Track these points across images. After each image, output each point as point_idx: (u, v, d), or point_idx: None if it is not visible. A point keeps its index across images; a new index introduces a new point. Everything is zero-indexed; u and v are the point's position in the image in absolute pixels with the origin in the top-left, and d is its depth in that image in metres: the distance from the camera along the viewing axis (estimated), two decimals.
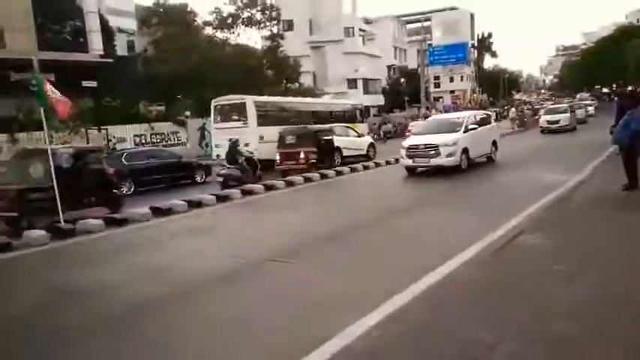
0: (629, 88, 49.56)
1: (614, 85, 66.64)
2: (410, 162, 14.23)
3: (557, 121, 27.40)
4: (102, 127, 21.60)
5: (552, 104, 49.00)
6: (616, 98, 37.94)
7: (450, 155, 13.58)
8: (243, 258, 6.74)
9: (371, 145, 20.94)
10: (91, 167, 11.20)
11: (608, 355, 3.37)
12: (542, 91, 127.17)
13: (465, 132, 14.38)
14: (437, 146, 13.61)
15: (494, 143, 16.32)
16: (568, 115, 28.02)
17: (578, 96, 50.76)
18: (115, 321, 4.91)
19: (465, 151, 14.06)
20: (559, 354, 3.44)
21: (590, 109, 38.30)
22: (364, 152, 20.03)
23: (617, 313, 3.98)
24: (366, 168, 17.23)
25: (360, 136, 21.00)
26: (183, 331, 4.45)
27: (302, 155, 16.14)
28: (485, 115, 17.88)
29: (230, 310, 5.01)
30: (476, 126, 15.02)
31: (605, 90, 71.14)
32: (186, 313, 4.96)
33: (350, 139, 19.71)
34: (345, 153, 18.60)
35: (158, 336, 4.54)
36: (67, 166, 10.54)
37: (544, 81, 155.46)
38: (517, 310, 4.20)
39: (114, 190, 11.70)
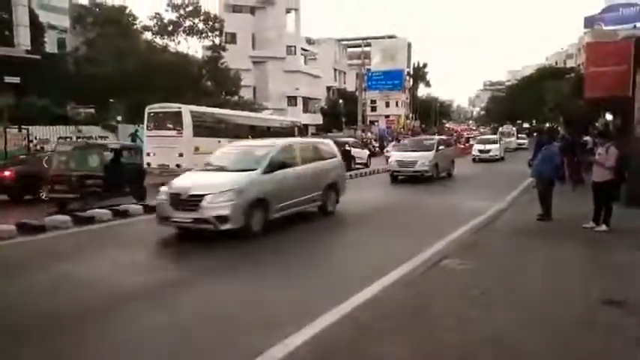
0: (547, 124, 53.68)
1: (534, 121, 71.85)
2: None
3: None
4: (23, 127, 20.21)
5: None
6: (535, 134, 40.81)
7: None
8: None
9: (369, 156, 27.08)
10: (130, 162, 13.40)
11: None
12: (470, 122, 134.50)
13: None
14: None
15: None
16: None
17: (500, 129, 51.60)
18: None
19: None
20: None
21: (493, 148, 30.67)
22: (365, 161, 25.80)
23: (531, 336, 4.26)
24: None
25: (362, 149, 27.45)
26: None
27: None
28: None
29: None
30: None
31: (525, 125, 76.50)
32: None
33: (358, 150, 25.53)
34: (358, 161, 24.50)
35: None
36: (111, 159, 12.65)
37: (472, 112, 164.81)
38: (438, 331, 4.38)
39: (143, 184, 13.63)
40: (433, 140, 20.80)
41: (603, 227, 8.49)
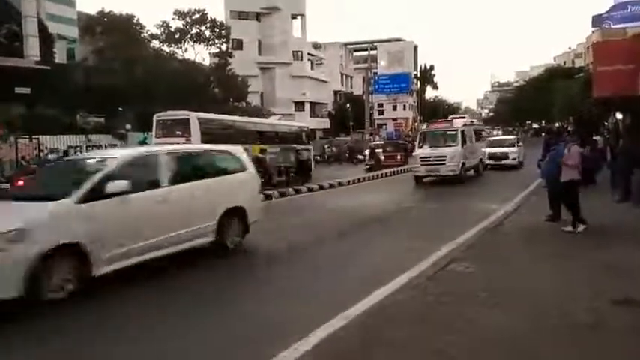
0: (556, 125, 53.19)
1: (543, 122, 71.29)
2: None
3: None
4: (34, 137, 20.46)
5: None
6: (543, 134, 40.43)
7: None
8: None
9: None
10: (305, 157, 21.29)
11: None
12: (480, 123, 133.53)
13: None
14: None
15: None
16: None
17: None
18: None
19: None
20: None
21: None
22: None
23: (541, 338, 4.23)
24: None
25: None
26: None
27: (398, 157, 29.27)
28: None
29: None
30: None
31: (535, 125, 76.01)
32: None
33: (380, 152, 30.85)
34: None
35: None
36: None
37: (480, 114, 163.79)
38: (445, 335, 4.37)
39: (310, 173, 21.29)
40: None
41: (580, 228, 8.36)
